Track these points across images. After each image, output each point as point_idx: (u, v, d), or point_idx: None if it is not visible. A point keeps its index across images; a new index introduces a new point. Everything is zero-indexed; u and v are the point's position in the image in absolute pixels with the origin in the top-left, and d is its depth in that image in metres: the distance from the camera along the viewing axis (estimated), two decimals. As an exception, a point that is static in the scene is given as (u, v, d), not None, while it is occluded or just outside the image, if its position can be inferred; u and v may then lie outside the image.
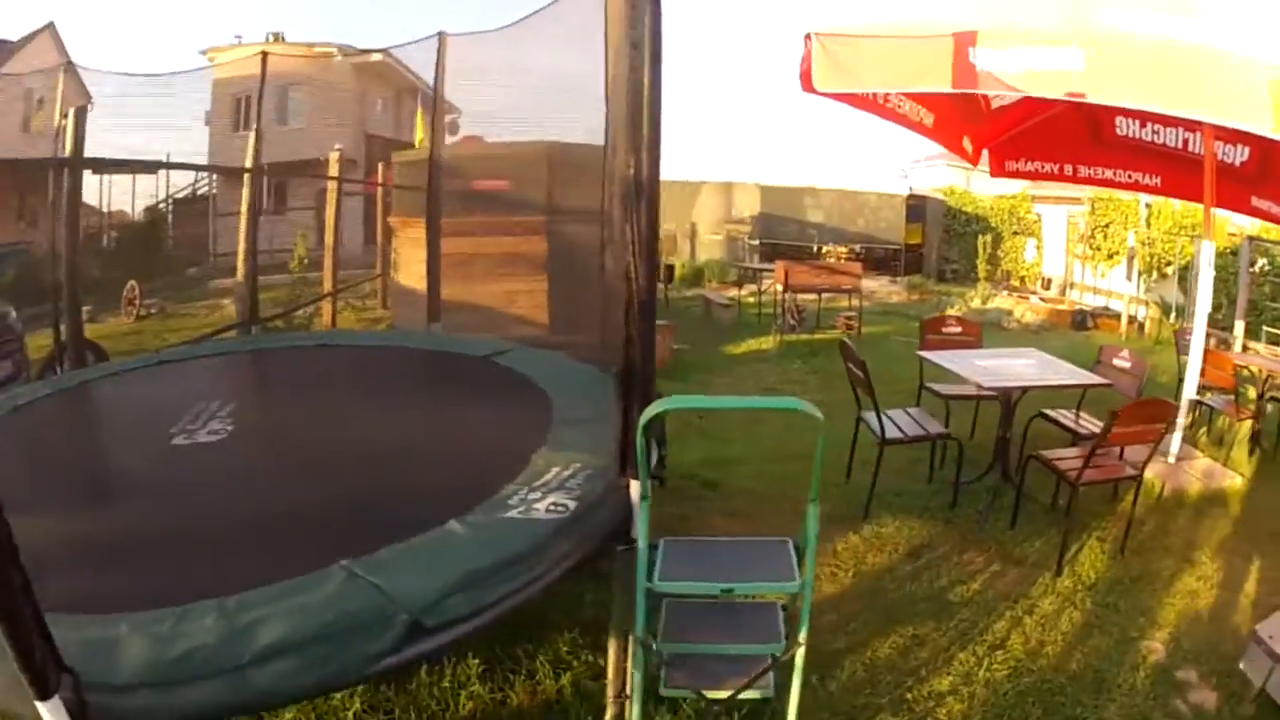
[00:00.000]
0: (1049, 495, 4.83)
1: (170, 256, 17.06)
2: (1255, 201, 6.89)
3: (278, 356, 5.11)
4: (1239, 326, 10.24)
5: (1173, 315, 12.92)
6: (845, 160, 17.21)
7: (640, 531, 2.41)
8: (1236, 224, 12.82)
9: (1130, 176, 7.28)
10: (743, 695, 2.55)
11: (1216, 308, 12.36)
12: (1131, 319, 13.72)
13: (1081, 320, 13.32)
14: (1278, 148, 6.36)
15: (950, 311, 13.13)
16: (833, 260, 19.56)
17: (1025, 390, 4.83)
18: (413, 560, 2.16)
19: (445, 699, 2.83)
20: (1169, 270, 14.04)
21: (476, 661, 2.96)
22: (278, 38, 22.34)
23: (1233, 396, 6.26)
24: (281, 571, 2.06)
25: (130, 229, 15.45)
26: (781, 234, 17.31)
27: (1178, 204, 15.05)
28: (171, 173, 15.65)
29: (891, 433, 4.72)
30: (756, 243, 17.07)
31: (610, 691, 2.56)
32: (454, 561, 2.14)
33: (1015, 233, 18.58)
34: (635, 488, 2.45)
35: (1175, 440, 5.66)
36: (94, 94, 8.86)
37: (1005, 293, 15.48)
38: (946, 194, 20.85)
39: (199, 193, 20.50)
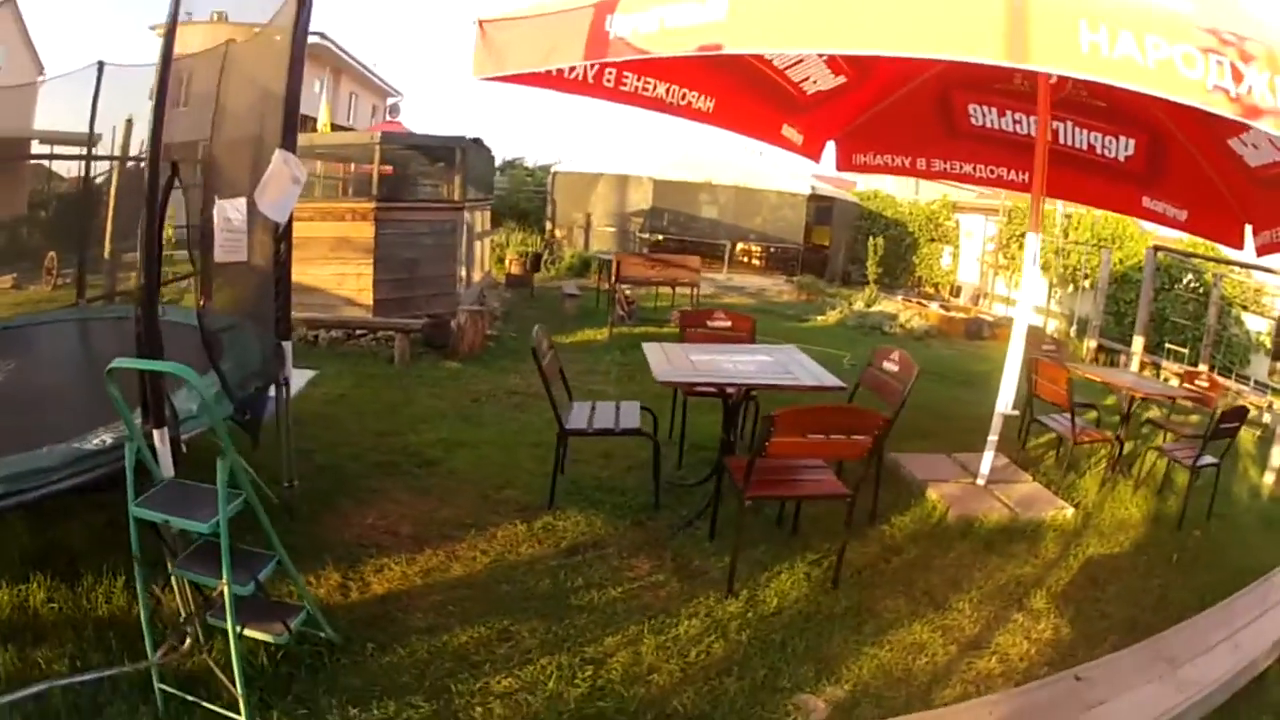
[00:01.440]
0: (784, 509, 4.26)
1: (100, 229, 16.05)
2: (1147, 202, 5.97)
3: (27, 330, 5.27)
4: (1137, 342, 9.36)
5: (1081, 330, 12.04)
6: (755, 157, 16.06)
7: (154, 472, 2.63)
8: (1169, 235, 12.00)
9: (993, 171, 6.41)
10: (263, 638, 2.58)
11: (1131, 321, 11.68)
12: (1039, 331, 12.87)
13: (977, 329, 12.49)
14: (1172, 143, 5.44)
15: (830, 314, 12.42)
16: (744, 258, 18.79)
17: (748, 390, 4.25)
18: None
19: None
20: (1086, 283, 13.13)
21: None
22: (221, 16, 22.20)
23: (1067, 415, 5.39)
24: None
25: (67, 200, 14.56)
26: (674, 229, 16.78)
27: (1099, 214, 14.27)
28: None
29: (578, 424, 4.27)
30: (647, 236, 16.41)
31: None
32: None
33: (932, 239, 17.75)
34: (157, 435, 2.71)
35: (986, 460, 4.98)
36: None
37: (902, 298, 14.86)
38: (866, 198, 20.05)
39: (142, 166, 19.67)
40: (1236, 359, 9.71)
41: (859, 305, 13.03)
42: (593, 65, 3.95)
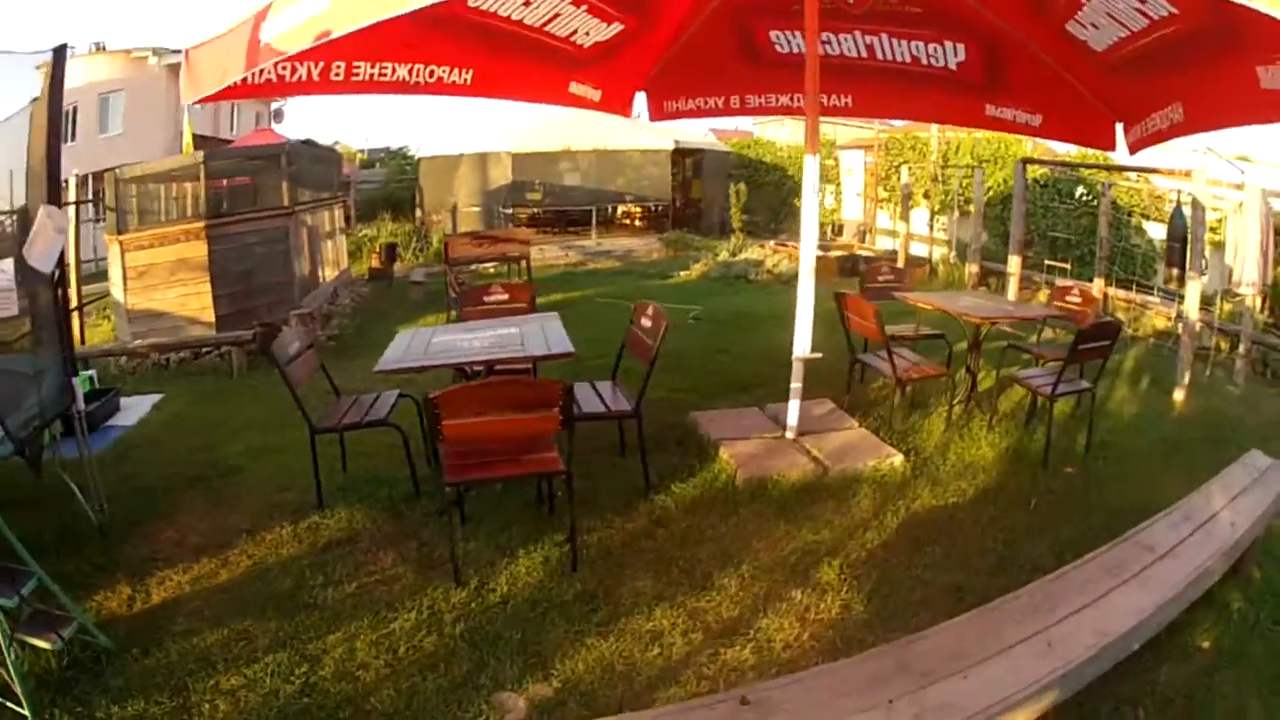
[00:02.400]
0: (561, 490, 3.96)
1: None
2: (992, 111, 5.33)
3: None
4: (1013, 262, 8.86)
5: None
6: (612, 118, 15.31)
7: None
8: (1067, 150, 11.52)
9: (771, 99, 5.97)
10: (42, 645, 2.78)
11: (1028, 244, 11.28)
12: (923, 261, 12.48)
13: (852, 266, 12.02)
14: (1007, 42, 4.78)
15: (695, 268, 12.00)
16: (627, 220, 18.13)
17: (490, 366, 3.98)
18: None
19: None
20: (970, 208, 12.70)
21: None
22: (100, 47, 22.86)
23: (884, 353, 4.81)
24: None
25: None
26: (542, 200, 16.31)
27: (980, 135, 13.90)
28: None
29: (328, 422, 4.14)
30: (510, 211, 15.84)
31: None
32: None
33: (814, 180, 17.26)
34: None
35: (792, 410, 4.59)
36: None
37: (775, 243, 14.29)
38: (742, 146, 19.49)
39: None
40: (1138, 270, 9.26)
41: (723, 255, 12.56)
42: (318, 63, 3.64)
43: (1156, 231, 10.38)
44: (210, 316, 7.77)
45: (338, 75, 3.79)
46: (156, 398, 6.31)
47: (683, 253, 14.23)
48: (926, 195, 13.61)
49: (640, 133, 16.02)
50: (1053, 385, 4.48)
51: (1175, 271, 7.10)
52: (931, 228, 13.22)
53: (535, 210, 16.78)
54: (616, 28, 5.05)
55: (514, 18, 4.27)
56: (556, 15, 4.53)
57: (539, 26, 4.51)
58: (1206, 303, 8.15)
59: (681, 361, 6.45)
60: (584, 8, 4.60)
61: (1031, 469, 4.42)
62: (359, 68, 3.87)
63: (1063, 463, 4.52)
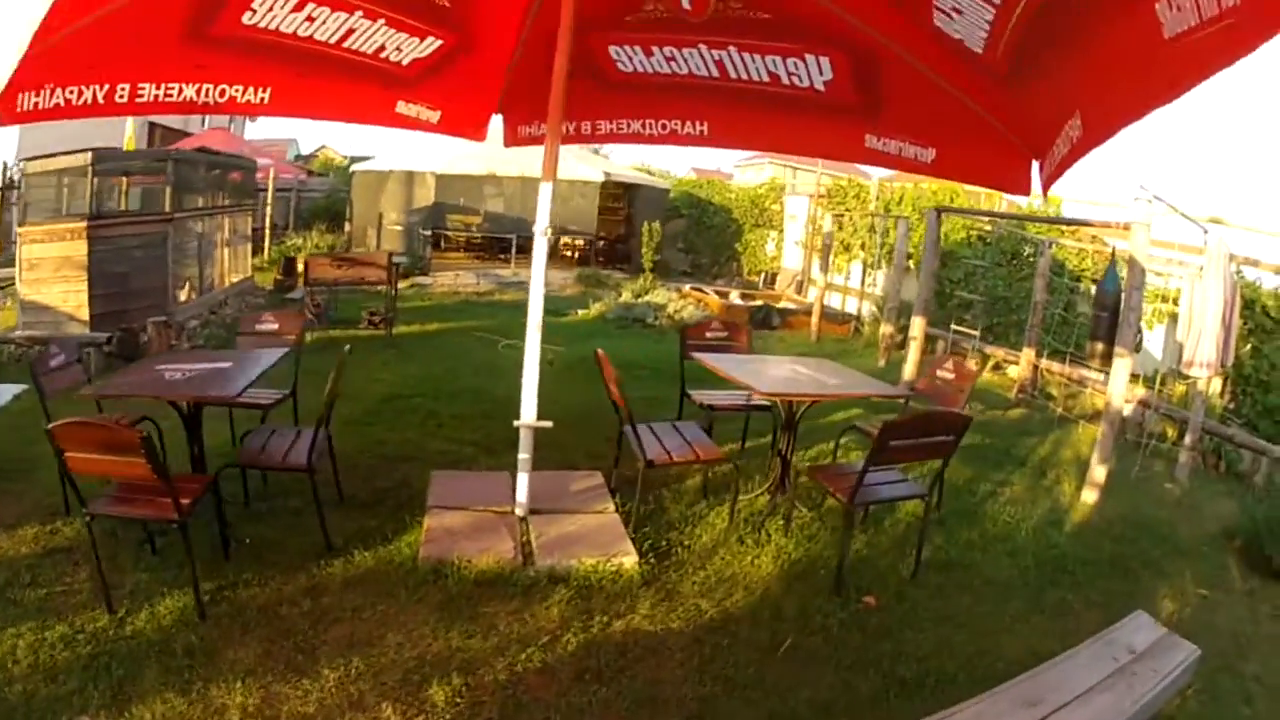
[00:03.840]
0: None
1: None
2: (872, 142, 4.23)
3: None
4: (915, 324, 7.90)
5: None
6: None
7: None
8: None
9: (664, 126, 4.89)
10: None
11: (966, 307, 10.46)
12: (850, 318, 11.65)
13: (764, 319, 11.17)
14: (878, 51, 3.86)
15: (594, 307, 11.36)
16: (567, 252, 17.30)
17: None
18: None
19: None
20: (910, 264, 11.87)
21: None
22: None
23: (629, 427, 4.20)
24: None
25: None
26: (459, 224, 15.64)
27: (926, 184, 13.19)
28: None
29: None
30: (429, 233, 15.11)
31: None
32: None
33: (757, 225, 16.50)
34: None
35: (521, 484, 4.02)
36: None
37: (690, 287, 13.68)
38: (694, 185, 18.81)
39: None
40: (1075, 342, 8.04)
41: (625, 296, 11.80)
42: (102, 85, 3.51)
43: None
44: (85, 315, 7.84)
45: (122, 98, 3.68)
46: (20, 389, 5.92)
47: (593, 289, 13.48)
48: (863, 247, 12.82)
49: (569, 162, 15.24)
50: (852, 489, 3.49)
51: (1100, 346, 6.14)
52: (863, 282, 12.39)
53: (460, 234, 16.09)
54: (434, 43, 4.52)
55: (301, 34, 4.01)
56: (351, 31, 4.17)
57: (334, 44, 4.18)
58: (1159, 383, 7.31)
59: (494, 408, 5.83)
60: (381, 21, 4.22)
61: (816, 595, 3.50)
62: (143, 89, 3.75)
63: (868, 589, 3.60)
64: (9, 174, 15.67)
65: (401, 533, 3.90)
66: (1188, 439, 6.18)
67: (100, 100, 3.52)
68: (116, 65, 3.49)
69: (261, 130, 27.36)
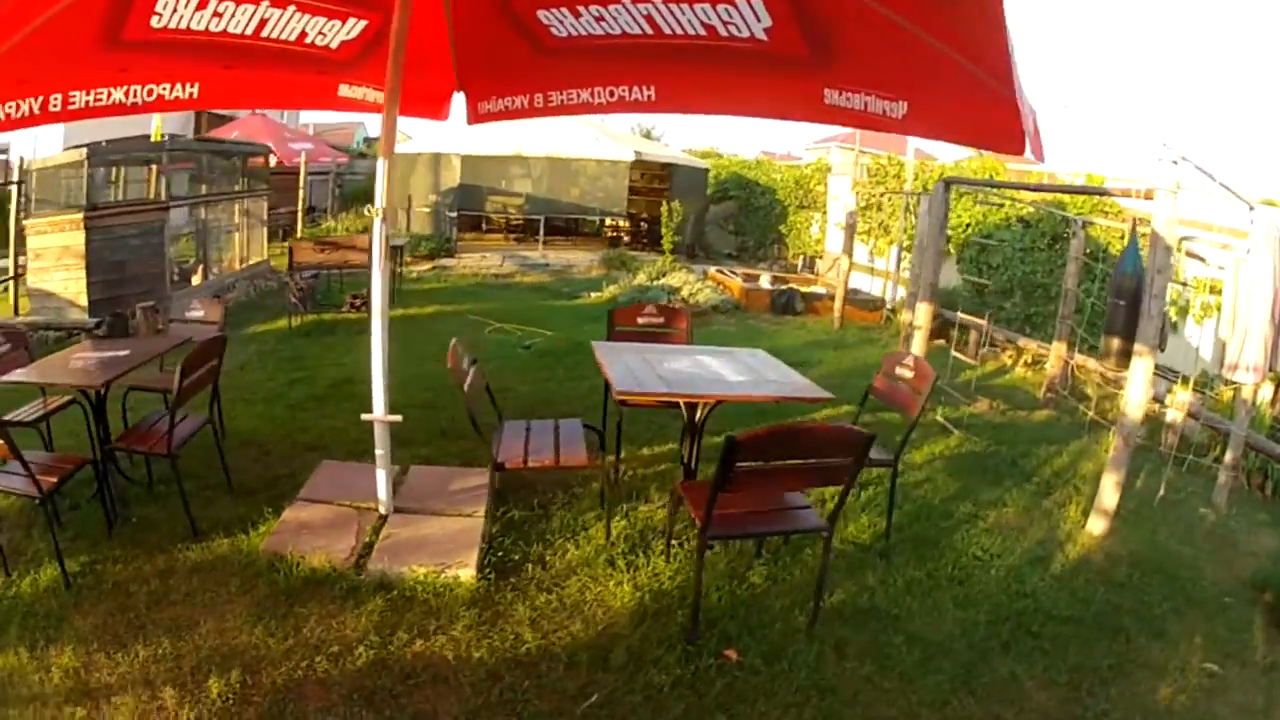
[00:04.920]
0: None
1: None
2: (831, 97, 3.63)
3: None
4: (922, 311, 7.10)
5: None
6: (576, 125, 14.59)
7: None
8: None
9: (612, 93, 4.58)
10: None
11: (1006, 294, 9.69)
12: (879, 303, 10.96)
13: (786, 303, 10.58)
14: (831, 5, 3.34)
15: (608, 290, 11.04)
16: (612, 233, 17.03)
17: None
18: None
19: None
20: (950, 248, 11.04)
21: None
22: None
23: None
24: None
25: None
26: (482, 206, 15.60)
27: (968, 160, 12.35)
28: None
29: None
30: (455, 215, 14.99)
31: None
32: None
33: (802, 206, 15.78)
34: None
35: (380, 481, 3.98)
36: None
37: (716, 269, 13.28)
38: (744, 166, 18.21)
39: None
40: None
41: (640, 279, 11.45)
42: (37, 97, 3.68)
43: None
44: (84, 301, 8.32)
45: (55, 107, 3.83)
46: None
47: (615, 271, 13.15)
48: (851, 225, 12.03)
49: (598, 141, 14.84)
50: (703, 517, 2.93)
51: (1116, 342, 5.37)
52: (899, 266, 11.64)
53: (500, 216, 15.96)
54: (358, 24, 4.42)
55: (214, 29, 3.99)
56: (264, 21, 4.12)
57: (251, 35, 4.14)
58: (1205, 387, 6.46)
59: (437, 398, 5.69)
60: (291, 8, 4.15)
61: (665, 641, 3.02)
62: (75, 96, 3.89)
63: (740, 637, 3.07)
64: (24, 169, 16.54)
65: (263, 523, 3.90)
66: (1228, 456, 5.26)
67: (37, 111, 3.71)
68: (46, 78, 3.68)
69: (327, 115, 27.85)
